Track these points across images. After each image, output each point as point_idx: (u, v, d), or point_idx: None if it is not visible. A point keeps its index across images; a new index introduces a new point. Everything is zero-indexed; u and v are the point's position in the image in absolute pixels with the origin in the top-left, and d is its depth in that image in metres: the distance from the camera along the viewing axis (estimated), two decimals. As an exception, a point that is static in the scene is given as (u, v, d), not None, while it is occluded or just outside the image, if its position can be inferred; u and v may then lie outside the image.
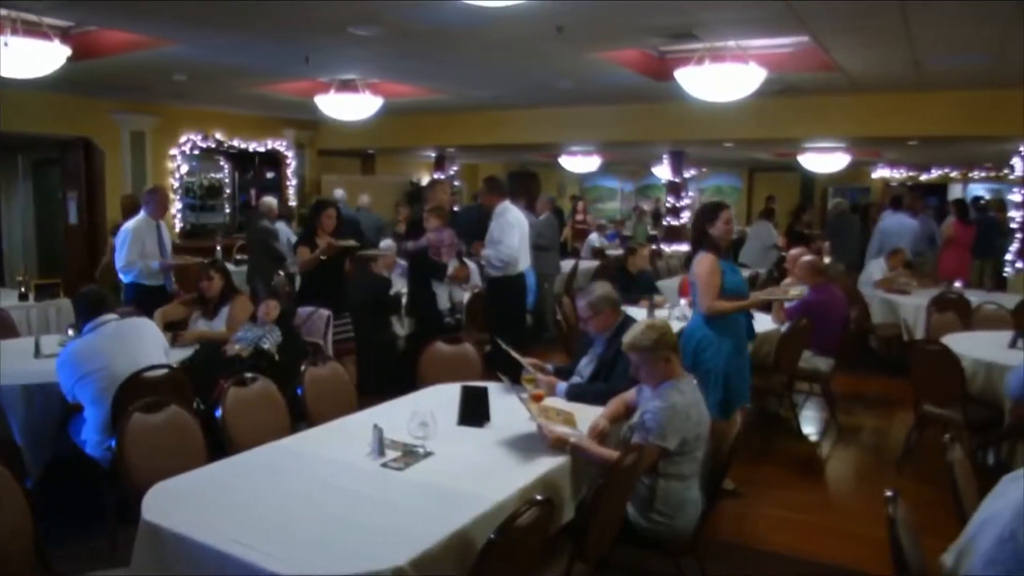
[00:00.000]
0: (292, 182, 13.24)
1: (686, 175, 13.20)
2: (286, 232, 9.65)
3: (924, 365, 5.22)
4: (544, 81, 8.94)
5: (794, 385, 6.49)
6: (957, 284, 8.59)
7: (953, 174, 19.50)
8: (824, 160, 14.28)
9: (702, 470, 3.35)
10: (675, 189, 12.93)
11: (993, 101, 8.98)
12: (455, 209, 11.54)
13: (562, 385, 3.97)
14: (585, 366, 4.12)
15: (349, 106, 8.87)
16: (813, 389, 6.90)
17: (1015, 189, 11.25)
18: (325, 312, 5.96)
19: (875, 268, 8.96)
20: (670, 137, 11.35)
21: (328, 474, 2.94)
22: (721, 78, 6.66)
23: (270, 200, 9.67)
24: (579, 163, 15.98)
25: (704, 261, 4.60)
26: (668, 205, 13.20)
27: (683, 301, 6.56)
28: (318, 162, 13.90)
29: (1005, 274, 11.08)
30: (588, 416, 3.49)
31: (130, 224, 6.71)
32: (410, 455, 3.11)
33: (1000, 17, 5.72)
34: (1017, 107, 8.88)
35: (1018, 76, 8.02)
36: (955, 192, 19.65)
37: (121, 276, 6.72)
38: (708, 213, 4.71)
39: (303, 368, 4.15)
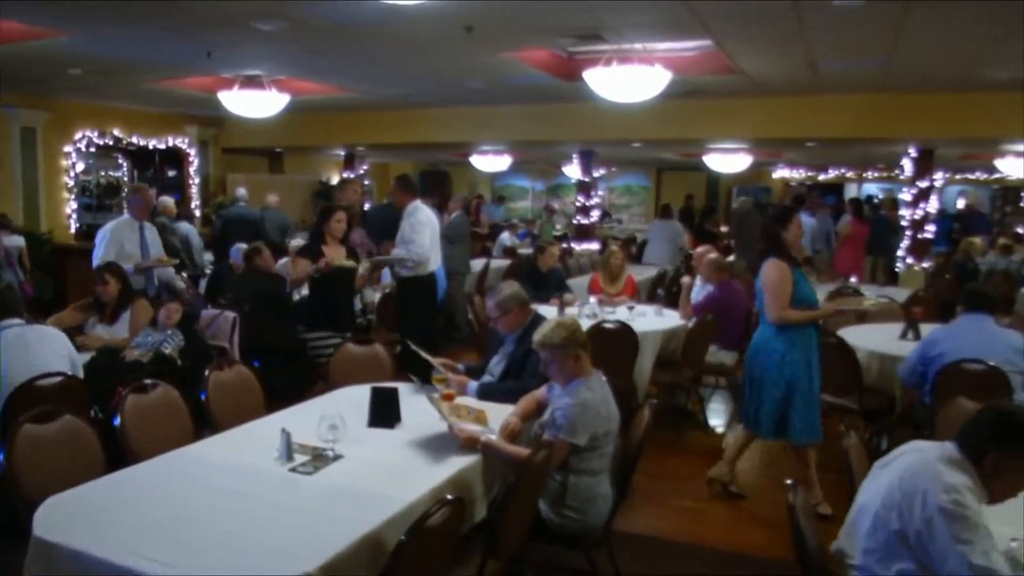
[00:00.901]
0: (195, 181, 12.84)
1: (596, 174, 13.38)
2: (195, 235, 9.36)
3: (822, 356, 5.43)
4: (455, 80, 8.93)
5: (701, 379, 6.69)
6: (852, 279, 9.00)
7: (849, 174, 20.40)
8: (728, 160, 14.72)
9: (612, 465, 3.41)
10: (585, 188, 13.10)
11: (883, 105, 9.44)
12: (365, 208, 11.43)
13: (473, 384, 3.97)
14: (496, 364, 4.13)
15: (254, 103, 8.67)
16: (719, 382, 7.12)
17: (904, 189, 11.85)
18: (231, 314, 5.80)
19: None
20: (579, 137, 11.50)
21: (234, 481, 2.86)
22: (628, 79, 6.78)
23: (166, 199, 9.47)
24: (490, 162, 16.04)
25: (775, 267, 4.36)
26: (578, 204, 13.35)
27: (592, 299, 6.66)
28: (223, 160, 13.52)
29: (896, 269, 11.65)
30: (500, 414, 3.50)
31: (110, 224, 6.39)
32: (319, 458, 3.05)
33: (889, 23, 6.01)
34: (905, 111, 9.39)
35: (905, 81, 8.46)
36: (851, 191, 20.60)
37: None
38: (780, 217, 4.49)
39: (207, 373, 4.03)
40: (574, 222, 13.89)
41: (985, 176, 18.61)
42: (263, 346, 5.81)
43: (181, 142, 12.55)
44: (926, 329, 5.33)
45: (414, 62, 7.90)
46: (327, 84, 9.37)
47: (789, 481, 2.58)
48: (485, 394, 3.91)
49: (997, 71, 7.64)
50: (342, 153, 15.09)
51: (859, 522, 2.41)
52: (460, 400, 3.68)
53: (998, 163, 14.02)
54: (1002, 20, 5.77)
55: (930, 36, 6.43)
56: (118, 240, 6.26)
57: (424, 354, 4.01)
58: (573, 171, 14.11)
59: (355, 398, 3.77)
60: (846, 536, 2.49)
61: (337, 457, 3.07)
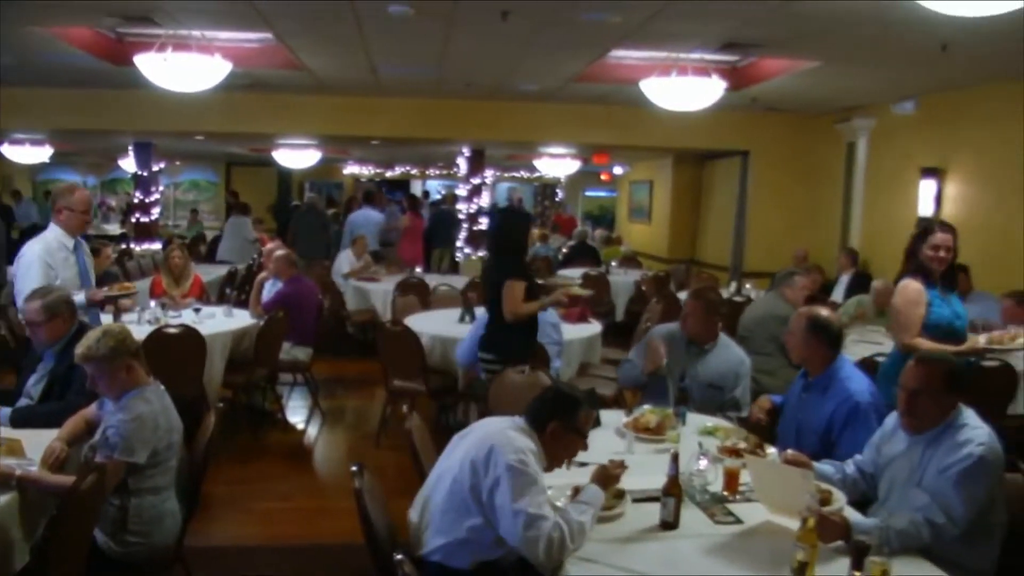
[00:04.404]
0: None
1: (156, 168, 12.43)
2: None
3: (390, 344, 5.74)
4: (-27, 55, 7.61)
5: (278, 377, 6.62)
6: (418, 270, 9.64)
7: (413, 171, 21.77)
8: (297, 156, 14.76)
9: (178, 478, 3.20)
10: (144, 184, 12.08)
11: (437, 109, 10.24)
12: None
13: (5, 411, 3.44)
14: (34, 385, 3.61)
15: None
16: (296, 379, 7.11)
17: (461, 185, 12.97)
18: None
19: (344, 259, 9.56)
20: (135, 127, 10.58)
21: None
22: (184, 68, 6.39)
23: None
24: (27, 153, 13.95)
25: (906, 289, 3.86)
26: (136, 200, 12.27)
27: (153, 303, 6.16)
28: None
29: (458, 259, 12.72)
30: (43, 442, 3.08)
31: (36, 246, 4.32)
32: None
33: (437, 35, 6.50)
34: (456, 115, 10.28)
35: (455, 89, 9.26)
36: (416, 188, 22.02)
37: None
38: (921, 231, 3.95)
39: None
40: (132, 220, 12.75)
41: (528, 175, 21.18)
42: None
43: None
44: (481, 312, 5.89)
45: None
46: None
47: (353, 468, 2.66)
48: (22, 420, 3.41)
49: (526, 83, 8.72)
50: None
51: (438, 486, 2.65)
52: (-12, 432, 3.16)
53: (537, 163, 16.05)
54: (522, 41, 6.61)
55: (471, 50, 7.11)
56: (51, 267, 4.30)
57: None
58: (130, 164, 12.93)
59: None
60: (423, 503, 2.70)
61: None
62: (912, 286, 3.85)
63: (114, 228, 15.85)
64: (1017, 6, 3.72)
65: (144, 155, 11.98)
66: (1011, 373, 5.01)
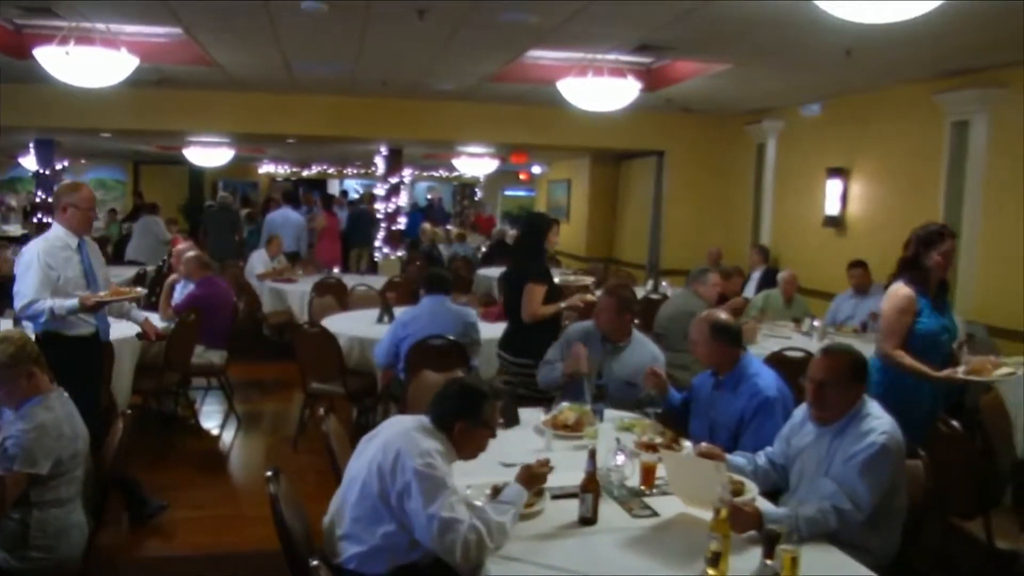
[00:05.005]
0: None
1: (59, 166, 11.91)
2: None
3: (307, 346, 5.64)
4: None
5: (191, 381, 6.43)
6: (335, 270, 9.52)
7: (331, 170, 21.45)
8: (210, 154, 14.37)
9: (85, 488, 3.07)
10: (46, 183, 11.55)
11: (353, 107, 10.12)
12: None
13: None
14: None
15: None
16: (211, 383, 6.92)
17: (379, 184, 12.85)
18: None
19: (257, 260, 9.35)
20: (35, 123, 10.10)
21: None
22: (88, 62, 6.14)
23: None
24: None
25: (896, 295, 3.76)
26: (38, 200, 11.75)
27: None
28: None
29: (376, 259, 12.59)
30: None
31: (36, 245, 4.20)
32: None
33: (352, 33, 6.42)
34: (372, 113, 10.18)
35: (371, 87, 9.17)
36: (334, 187, 21.73)
37: (27, 325, 4.37)
38: (932, 237, 3.76)
39: None
40: (34, 220, 12.19)
41: (447, 174, 21.13)
42: None
43: None
44: (400, 312, 5.85)
45: None
46: None
47: (268, 473, 2.61)
48: (-88, 432, 3.21)
49: (443, 82, 8.70)
50: None
51: (349, 492, 2.60)
52: None
53: (455, 162, 16.02)
54: (439, 40, 6.60)
55: (387, 48, 7.05)
56: (52, 268, 4.13)
57: None
58: (31, 162, 12.35)
59: None
60: (336, 510, 2.65)
61: None
62: (903, 292, 3.79)
63: (15, 229, 15.11)
64: (915, 12, 3.90)
65: (46, 153, 11.49)
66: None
